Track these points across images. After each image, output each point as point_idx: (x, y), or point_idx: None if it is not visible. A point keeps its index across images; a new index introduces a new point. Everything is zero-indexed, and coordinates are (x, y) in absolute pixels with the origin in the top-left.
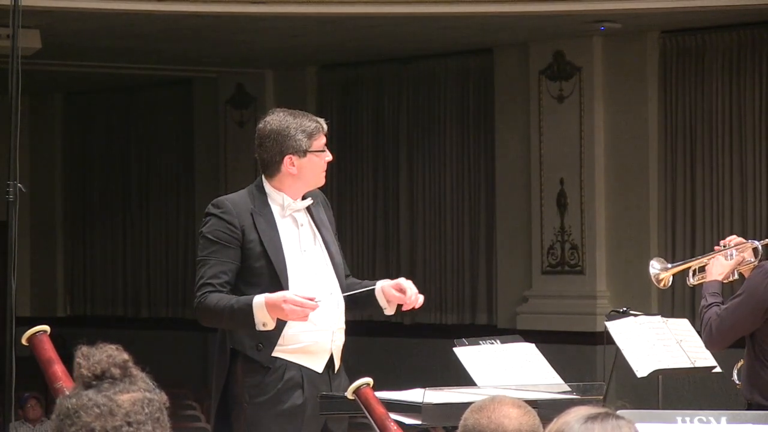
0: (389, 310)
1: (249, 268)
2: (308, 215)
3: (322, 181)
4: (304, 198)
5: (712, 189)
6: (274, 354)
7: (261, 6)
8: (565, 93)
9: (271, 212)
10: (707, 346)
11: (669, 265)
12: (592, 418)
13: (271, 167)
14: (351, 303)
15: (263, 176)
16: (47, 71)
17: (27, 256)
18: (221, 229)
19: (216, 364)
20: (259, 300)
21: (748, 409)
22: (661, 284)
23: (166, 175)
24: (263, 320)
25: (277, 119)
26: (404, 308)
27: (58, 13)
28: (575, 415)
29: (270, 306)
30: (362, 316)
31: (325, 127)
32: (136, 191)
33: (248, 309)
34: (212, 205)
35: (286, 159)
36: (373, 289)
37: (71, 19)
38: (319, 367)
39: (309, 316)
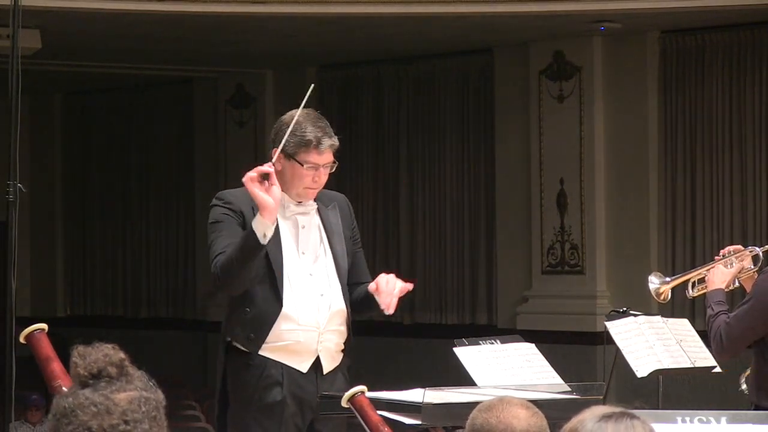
0: (388, 311)
1: None
2: (319, 219)
3: (304, 195)
4: (316, 201)
5: (712, 189)
6: (259, 351)
7: (261, 6)
8: (565, 93)
9: None
10: (717, 356)
11: (667, 279)
12: (606, 417)
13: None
14: (355, 307)
15: None
16: (47, 71)
17: (27, 256)
18: (224, 212)
19: (218, 361)
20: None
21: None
22: (661, 298)
23: (166, 175)
24: (263, 230)
25: (291, 115)
26: (383, 305)
27: (58, 13)
28: (591, 413)
29: (260, 209)
30: (363, 315)
31: (324, 144)
32: (136, 191)
33: (249, 230)
34: (215, 198)
35: (273, 150)
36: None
37: (71, 19)
38: (303, 367)
39: (296, 316)
